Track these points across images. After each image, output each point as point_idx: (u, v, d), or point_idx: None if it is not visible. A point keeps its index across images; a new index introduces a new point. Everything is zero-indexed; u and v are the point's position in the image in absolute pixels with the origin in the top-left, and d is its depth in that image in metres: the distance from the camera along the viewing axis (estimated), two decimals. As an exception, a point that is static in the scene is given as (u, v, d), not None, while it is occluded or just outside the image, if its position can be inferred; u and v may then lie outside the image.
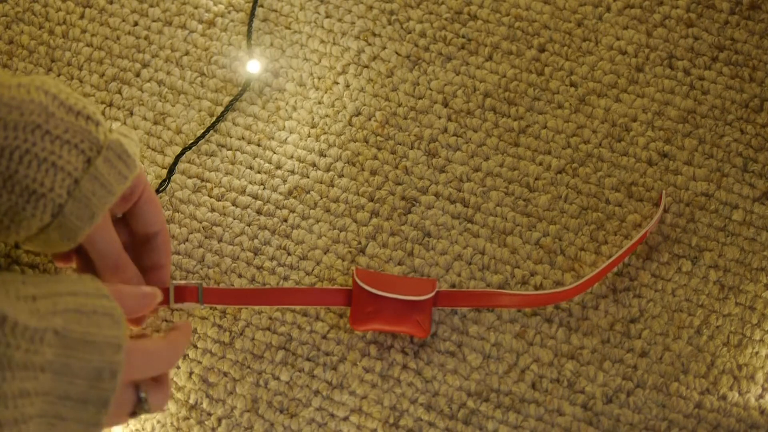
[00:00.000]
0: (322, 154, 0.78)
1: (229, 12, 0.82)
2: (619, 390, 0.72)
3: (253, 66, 0.79)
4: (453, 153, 0.78)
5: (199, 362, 0.73)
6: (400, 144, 0.78)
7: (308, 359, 0.73)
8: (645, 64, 0.80)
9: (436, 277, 0.75)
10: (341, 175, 0.78)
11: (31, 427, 0.57)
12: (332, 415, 0.72)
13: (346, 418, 0.72)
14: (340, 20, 0.81)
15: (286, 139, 0.78)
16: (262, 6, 0.82)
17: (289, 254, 0.76)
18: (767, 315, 0.74)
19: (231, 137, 0.79)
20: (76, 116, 0.63)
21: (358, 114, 0.79)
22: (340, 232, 0.76)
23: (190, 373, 0.73)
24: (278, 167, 0.78)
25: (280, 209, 0.77)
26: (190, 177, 0.77)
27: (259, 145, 0.78)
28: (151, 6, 0.82)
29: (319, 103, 0.79)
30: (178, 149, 0.78)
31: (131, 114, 0.79)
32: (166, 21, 0.81)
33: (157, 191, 0.76)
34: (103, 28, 0.81)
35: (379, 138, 0.78)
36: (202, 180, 0.77)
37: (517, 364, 0.73)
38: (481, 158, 0.78)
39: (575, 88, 0.79)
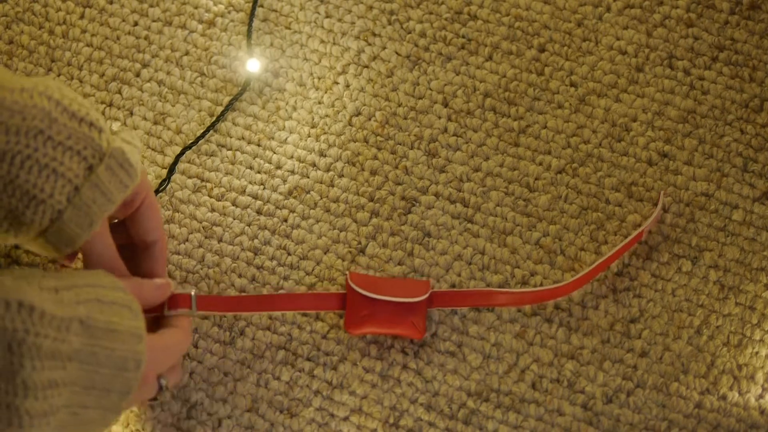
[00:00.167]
0: (322, 154, 0.78)
1: (229, 12, 0.82)
2: (619, 390, 0.72)
3: (253, 66, 0.79)
4: (453, 153, 0.78)
5: (200, 362, 0.73)
6: (400, 144, 0.78)
7: (308, 359, 0.73)
8: (645, 64, 0.80)
9: (436, 277, 0.75)
10: (341, 175, 0.78)
11: (58, 417, 0.57)
12: (332, 415, 0.72)
13: (346, 418, 0.72)
14: (340, 20, 0.81)
15: (286, 139, 0.78)
16: (262, 6, 0.82)
17: (289, 254, 0.76)
18: (767, 315, 0.74)
19: (231, 137, 0.79)
20: (80, 122, 0.63)
21: (358, 114, 0.79)
22: (340, 232, 0.76)
23: (191, 373, 0.73)
24: (278, 167, 0.78)
25: (280, 209, 0.77)
26: (190, 177, 0.77)
27: (259, 145, 0.78)
28: (151, 6, 0.82)
29: (319, 103, 0.79)
30: (178, 149, 0.78)
31: (131, 114, 0.79)
32: (166, 21, 0.81)
33: (157, 191, 0.76)
34: (103, 28, 0.81)
35: (379, 138, 0.78)
36: (202, 180, 0.77)
37: (517, 364, 0.73)
38: (481, 158, 0.78)
39: (575, 88, 0.79)
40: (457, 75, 0.80)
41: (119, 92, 0.80)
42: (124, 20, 0.81)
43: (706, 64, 0.80)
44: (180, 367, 0.70)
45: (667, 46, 0.80)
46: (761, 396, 0.72)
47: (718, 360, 0.73)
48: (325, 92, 0.80)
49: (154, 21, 0.81)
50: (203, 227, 0.76)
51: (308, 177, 0.78)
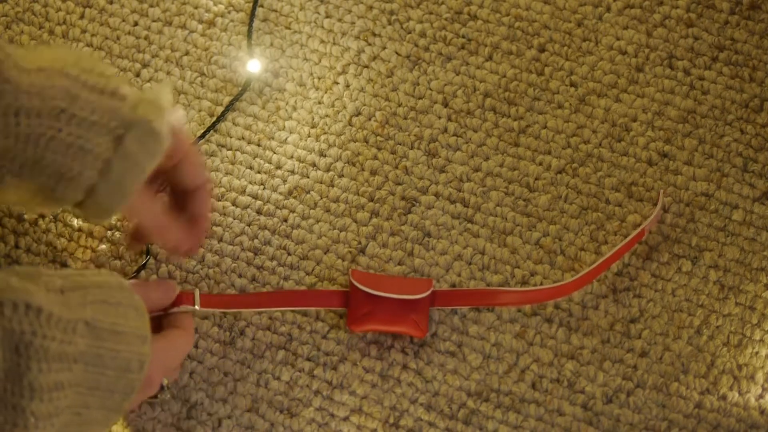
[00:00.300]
0: (322, 154, 0.78)
1: (229, 12, 0.82)
2: (619, 390, 0.72)
3: (253, 66, 0.79)
4: (453, 153, 0.78)
5: (200, 362, 0.73)
6: (400, 144, 0.78)
7: (308, 359, 0.73)
8: (645, 64, 0.80)
9: (436, 277, 0.75)
10: (341, 175, 0.78)
11: (61, 418, 0.57)
12: (332, 415, 0.72)
13: (346, 418, 0.72)
14: (340, 20, 0.81)
15: (286, 139, 0.78)
16: (262, 6, 0.82)
17: (289, 254, 0.76)
18: (767, 315, 0.74)
19: (231, 137, 0.79)
20: (101, 94, 0.61)
21: (358, 114, 0.79)
22: (340, 232, 0.76)
23: (191, 373, 0.73)
24: (278, 167, 0.78)
25: (280, 209, 0.77)
26: (190, 177, 0.78)
27: (259, 145, 0.78)
28: (151, 6, 0.82)
29: (319, 103, 0.79)
30: (178, 149, 0.78)
31: (131, 114, 0.79)
32: (166, 21, 0.81)
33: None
34: (103, 28, 0.81)
35: (379, 138, 0.78)
36: (203, 180, 0.77)
37: (517, 364, 0.73)
38: (481, 158, 0.78)
39: (575, 88, 0.79)
40: (457, 75, 0.80)
41: (119, 92, 0.80)
42: (124, 20, 0.81)
43: (706, 64, 0.80)
44: (180, 366, 0.71)
45: (667, 46, 0.80)
46: (761, 396, 0.72)
47: (718, 360, 0.73)
48: (325, 92, 0.80)
49: (154, 21, 0.81)
50: (203, 227, 0.76)
51: (308, 177, 0.78)
